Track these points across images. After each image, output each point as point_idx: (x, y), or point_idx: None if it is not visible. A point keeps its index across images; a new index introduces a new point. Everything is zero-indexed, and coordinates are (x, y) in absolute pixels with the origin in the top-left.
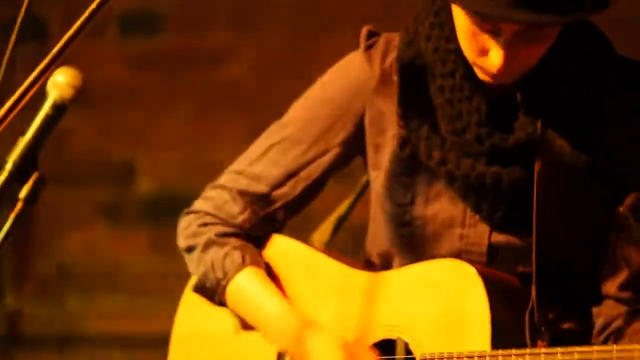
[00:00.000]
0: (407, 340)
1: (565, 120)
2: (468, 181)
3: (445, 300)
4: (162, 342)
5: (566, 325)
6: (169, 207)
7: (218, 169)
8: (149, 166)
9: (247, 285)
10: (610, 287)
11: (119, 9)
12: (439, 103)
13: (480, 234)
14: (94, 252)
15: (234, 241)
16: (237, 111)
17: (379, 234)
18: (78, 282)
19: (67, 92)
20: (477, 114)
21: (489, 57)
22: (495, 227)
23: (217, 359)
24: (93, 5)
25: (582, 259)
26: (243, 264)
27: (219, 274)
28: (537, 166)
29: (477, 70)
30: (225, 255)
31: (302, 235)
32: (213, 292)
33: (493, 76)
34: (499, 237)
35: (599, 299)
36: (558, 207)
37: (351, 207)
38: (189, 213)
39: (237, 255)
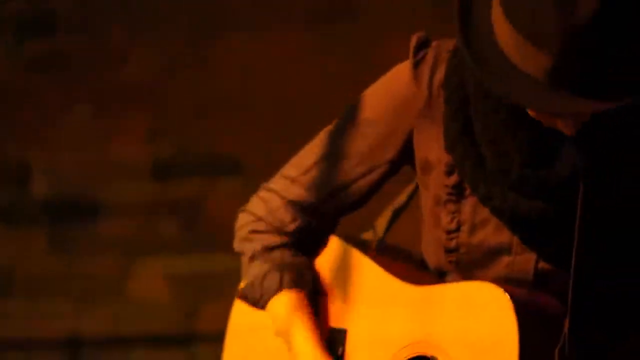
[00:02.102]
0: (439, 359)
1: (614, 153)
2: (515, 216)
3: (478, 325)
4: (60, 344)
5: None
6: (67, 207)
7: (115, 170)
8: (46, 167)
9: (279, 312)
10: None
11: (15, 10)
12: (483, 139)
13: (527, 261)
14: None
15: (277, 257)
16: (134, 112)
17: (429, 250)
18: None
19: None
20: (520, 153)
21: (557, 124)
22: (543, 257)
23: (269, 351)
24: None
25: (627, 293)
26: (279, 288)
27: (257, 294)
28: (580, 198)
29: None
30: (265, 275)
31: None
32: (255, 306)
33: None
34: (545, 265)
35: None
36: (602, 240)
37: (411, 197)
38: (244, 211)
39: (275, 277)
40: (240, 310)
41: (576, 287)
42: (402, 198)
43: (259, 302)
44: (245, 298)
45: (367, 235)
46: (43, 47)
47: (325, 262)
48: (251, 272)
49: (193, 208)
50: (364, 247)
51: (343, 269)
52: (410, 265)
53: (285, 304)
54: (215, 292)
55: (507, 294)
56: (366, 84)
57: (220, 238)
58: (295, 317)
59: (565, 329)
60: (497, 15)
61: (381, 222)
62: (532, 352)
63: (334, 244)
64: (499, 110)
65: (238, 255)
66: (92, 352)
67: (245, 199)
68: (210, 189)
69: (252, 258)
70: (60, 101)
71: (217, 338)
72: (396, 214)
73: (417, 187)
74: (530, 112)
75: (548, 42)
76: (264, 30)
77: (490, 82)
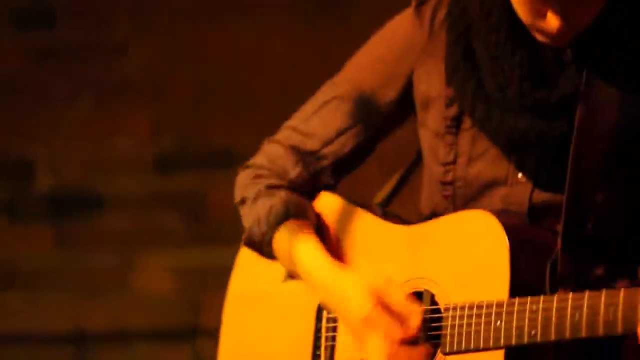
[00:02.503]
0: (433, 291)
1: (613, 76)
2: (512, 137)
3: (469, 251)
4: (63, 338)
5: (599, 271)
6: (70, 202)
7: (118, 163)
8: (49, 161)
9: (288, 238)
10: None
11: (15, 1)
12: (483, 58)
13: (522, 193)
14: None
15: (282, 193)
16: (136, 105)
17: (428, 194)
18: None
19: None
20: (520, 69)
21: (546, 21)
22: (538, 184)
23: (265, 314)
24: None
25: (620, 215)
26: (286, 217)
27: (264, 228)
28: (577, 119)
29: (533, 32)
30: (271, 208)
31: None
32: (260, 245)
33: (552, 38)
34: (540, 196)
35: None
36: (596, 162)
37: (412, 168)
38: (246, 167)
39: (281, 208)
40: (239, 279)
41: (569, 206)
42: (404, 169)
43: (264, 238)
44: (251, 240)
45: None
46: (44, 39)
47: (321, 214)
48: (256, 211)
49: (196, 201)
50: (361, 205)
51: (339, 219)
52: (406, 219)
53: (294, 227)
54: (218, 285)
55: (498, 219)
56: None
57: (223, 231)
58: (306, 240)
59: (558, 247)
60: None
61: (379, 197)
62: (524, 277)
63: (329, 198)
64: (500, 29)
65: (240, 247)
66: (96, 346)
67: None
68: (212, 182)
69: (256, 198)
70: (62, 95)
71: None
72: (400, 183)
73: (413, 163)
74: (522, 14)
75: None
76: (265, 22)
77: None
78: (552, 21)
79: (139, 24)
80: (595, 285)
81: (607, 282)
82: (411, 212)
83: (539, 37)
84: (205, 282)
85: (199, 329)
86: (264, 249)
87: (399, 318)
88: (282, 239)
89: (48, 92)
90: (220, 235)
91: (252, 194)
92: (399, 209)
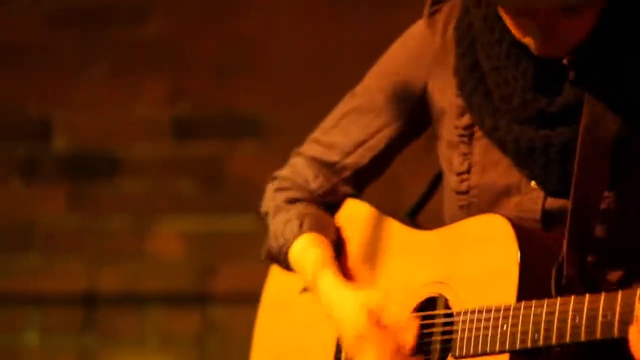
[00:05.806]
0: (447, 296)
1: (615, 83)
2: (519, 146)
3: (481, 255)
4: (75, 300)
5: (612, 277)
6: (86, 165)
7: (135, 128)
8: (66, 124)
9: (300, 251)
10: None
11: None
12: (488, 71)
13: (535, 200)
14: (9, 209)
15: (299, 207)
16: (154, 70)
17: (447, 204)
18: None
19: None
20: (523, 80)
21: (532, 39)
22: (549, 192)
23: (291, 322)
24: None
25: (628, 219)
26: (300, 231)
27: (280, 241)
28: (582, 126)
29: (529, 45)
30: (286, 222)
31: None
32: (277, 258)
33: (540, 54)
34: (553, 203)
35: None
36: (601, 168)
37: (433, 187)
38: (273, 178)
39: (296, 223)
40: (271, 286)
41: (574, 209)
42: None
43: (281, 251)
44: (269, 253)
45: None
46: (62, 3)
47: (347, 221)
48: (274, 225)
49: (211, 168)
50: (385, 212)
51: (363, 225)
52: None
53: (307, 242)
54: (231, 252)
55: (509, 220)
56: (381, 44)
57: (238, 198)
58: (315, 253)
59: (564, 250)
60: None
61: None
62: (532, 280)
63: (354, 204)
64: (502, 42)
65: (254, 215)
66: (107, 309)
67: (263, 160)
68: (229, 149)
69: (276, 212)
70: (81, 58)
71: (231, 298)
72: (422, 202)
73: (434, 182)
74: (512, 31)
75: None
76: None
77: None
78: (536, 40)
79: None
80: (607, 290)
81: (622, 287)
82: (437, 223)
83: (534, 51)
84: (218, 249)
85: (210, 295)
86: (281, 262)
87: (393, 333)
88: (296, 252)
89: (67, 56)
90: (236, 202)
91: (273, 207)
92: (427, 217)
